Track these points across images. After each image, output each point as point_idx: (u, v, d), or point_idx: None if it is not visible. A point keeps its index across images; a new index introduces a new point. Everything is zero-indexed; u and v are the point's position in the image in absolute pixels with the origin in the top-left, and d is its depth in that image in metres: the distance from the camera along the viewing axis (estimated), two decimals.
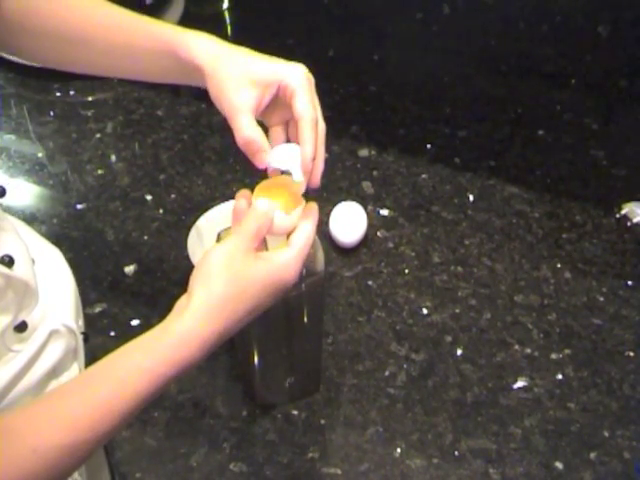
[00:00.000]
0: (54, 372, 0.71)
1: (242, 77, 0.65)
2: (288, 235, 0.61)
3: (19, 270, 0.65)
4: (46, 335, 0.70)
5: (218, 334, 0.55)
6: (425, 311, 0.86)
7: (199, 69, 0.64)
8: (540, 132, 1.09)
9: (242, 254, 0.56)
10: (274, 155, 0.62)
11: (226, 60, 0.65)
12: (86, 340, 0.79)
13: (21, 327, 0.67)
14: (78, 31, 0.68)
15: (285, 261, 0.58)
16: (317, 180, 0.64)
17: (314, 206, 0.63)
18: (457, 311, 0.86)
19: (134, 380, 0.53)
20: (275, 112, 0.66)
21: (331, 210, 0.93)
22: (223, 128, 1.14)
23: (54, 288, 0.75)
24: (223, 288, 0.55)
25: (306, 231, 0.61)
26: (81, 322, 0.81)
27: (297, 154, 0.62)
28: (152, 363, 0.53)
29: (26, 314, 0.67)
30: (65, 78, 1.20)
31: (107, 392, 0.52)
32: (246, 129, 0.62)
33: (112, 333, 0.85)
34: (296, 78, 0.66)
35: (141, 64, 0.69)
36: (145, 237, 0.95)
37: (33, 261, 0.71)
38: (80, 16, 0.69)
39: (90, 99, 1.18)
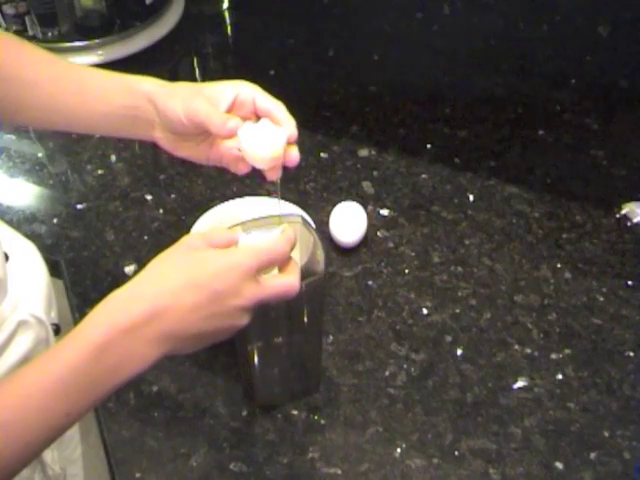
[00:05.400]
0: (25, 363, 0.72)
1: (197, 90, 0.66)
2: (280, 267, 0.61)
3: None
4: (14, 325, 0.71)
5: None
6: (425, 311, 0.86)
7: (150, 97, 0.66)
8: (540, 132, 1.09)
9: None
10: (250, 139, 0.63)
11: (177, 85, 0.67)
12: (57, 332, 0.80)
13: None
14: (28, 75, 0.68)
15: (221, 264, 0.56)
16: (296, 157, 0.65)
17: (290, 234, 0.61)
18: (457, 311, 0.86)
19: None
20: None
21: (331, 210, 0.93)
22: None
23: (25, 281, 0.76)
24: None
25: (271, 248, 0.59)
26: (54, 314, 0.82)
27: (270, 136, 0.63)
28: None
29: None
30: None
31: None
32: (224, 114, 0.64)
33: None
34: (250, 87, 0.67)
35: (91, 104, 0.68)
36: (145, 237, 0.96)
37: (7, 256, 0.72)
38: (30, 61, 0.69)
39: None
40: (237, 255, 0.56)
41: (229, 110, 0.66)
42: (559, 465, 0.73)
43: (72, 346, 0.52)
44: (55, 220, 0.99)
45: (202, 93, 0.65)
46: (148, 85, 0.67)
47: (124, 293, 0.55)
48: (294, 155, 0.64)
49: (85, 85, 0.68)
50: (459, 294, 0.88)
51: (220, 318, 0.56)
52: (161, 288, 0.54)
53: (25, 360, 0.72)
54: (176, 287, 0.54)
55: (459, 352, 0.82)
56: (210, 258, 0.56)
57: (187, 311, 0.54)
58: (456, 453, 0.74)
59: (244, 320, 0.58)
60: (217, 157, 0.69)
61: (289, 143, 0.64)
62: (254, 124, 0.64)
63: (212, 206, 0.88)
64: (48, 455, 0.81)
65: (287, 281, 0.59)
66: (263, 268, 0.58)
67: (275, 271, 0.61)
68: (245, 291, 0.56)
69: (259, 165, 0.64)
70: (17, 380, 0.51)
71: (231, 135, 0.63)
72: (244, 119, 0.66)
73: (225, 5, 1.37)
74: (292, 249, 0.60)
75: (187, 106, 0.64)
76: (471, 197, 1.00)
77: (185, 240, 0.58)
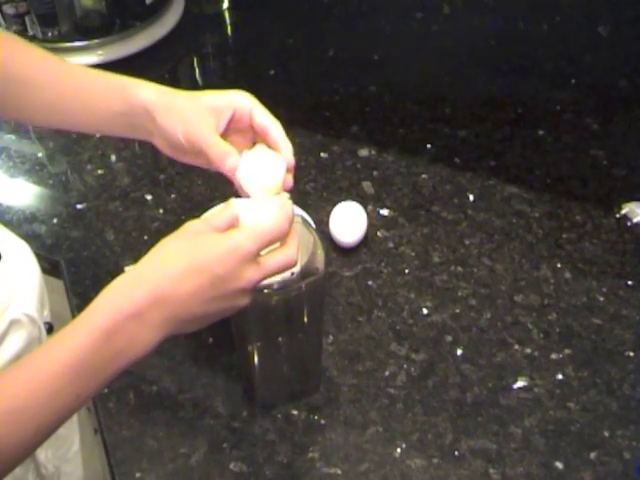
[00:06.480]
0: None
1: (196, 107, 0.66)
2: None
3: None
4: (6, 324, 0.71)
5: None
6: (425, 311, 0.86)
7: (147, 109, 0.66)
8: (540, 132, 1.09)
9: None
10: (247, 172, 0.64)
11: (176, 97, 0.67)
12: (50, 330, 0.80)
13: None
14: (30, 75, 0.68)
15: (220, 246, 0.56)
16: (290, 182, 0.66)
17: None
18: (457, 311, 0.86)
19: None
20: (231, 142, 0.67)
21: (331, 210, 0.93)
22: None
23: (18, 280, 0.76)
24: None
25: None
26: (46, 313, 0.82)
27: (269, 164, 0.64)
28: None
29: None
30: None
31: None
32: (222, 146, 0.64)
33: None
34: (248, 99, 0.67)
35: (92, 107, 0.68)
36: (145, 237, 0.96)
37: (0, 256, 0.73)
38: (33, 62, 0.69)
39: None
40: (237, 239, 0.57)
41: (228, 126, 0.66)
42: (559, 465, 0.73)
43: (79, 332, 0.53)
44: (55, 220, 0.99)
45: (201, 104, 0.65)
46: (146, 94, 0.66)
47: (127, 279, 0.55)
48: (288, 182, 0.65)
49: (86, 87, 0.68)
50: (459, 294, 0.88)
51: (221, 300, 0.57)
52: (163, 273, 0.55)
53: (17, 359, 0.72)
54: (178, 272, 0.55)
55: (459, 352, 0.82)
56: (211, 242, 0.56)
57: (189, 295, 0.55)
58: (456, 453, 0.74)
59: (245, 300, 0.59)
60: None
61: (287, 171, 0.64)
62: (252, 154, 0.64)
63: (212, 206, 0.87)
64: (42, 454, 0.81)
65: (284, 255, 0.60)
66: (263, 249, 0.58)
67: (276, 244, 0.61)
68: (246, 274, 0.57)
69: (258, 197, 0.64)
70: (25, 367, 0.52)
71: (229, 172, 0.64)
72: (240, 131, 0.67)
73: (225, 5, 1.37)
74: (290, 224, 0.61)
75: (186, 129, 0.64)
76: (471, 197, 1.00)
77: (187, 225, 0.58)
